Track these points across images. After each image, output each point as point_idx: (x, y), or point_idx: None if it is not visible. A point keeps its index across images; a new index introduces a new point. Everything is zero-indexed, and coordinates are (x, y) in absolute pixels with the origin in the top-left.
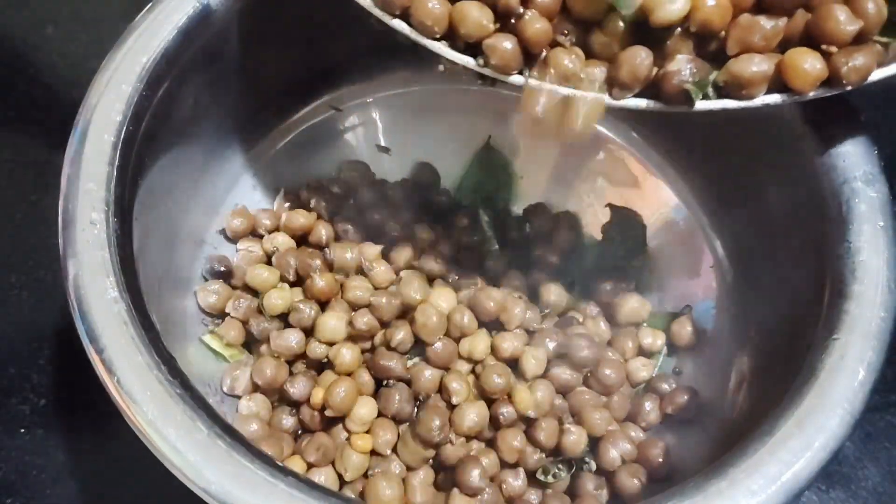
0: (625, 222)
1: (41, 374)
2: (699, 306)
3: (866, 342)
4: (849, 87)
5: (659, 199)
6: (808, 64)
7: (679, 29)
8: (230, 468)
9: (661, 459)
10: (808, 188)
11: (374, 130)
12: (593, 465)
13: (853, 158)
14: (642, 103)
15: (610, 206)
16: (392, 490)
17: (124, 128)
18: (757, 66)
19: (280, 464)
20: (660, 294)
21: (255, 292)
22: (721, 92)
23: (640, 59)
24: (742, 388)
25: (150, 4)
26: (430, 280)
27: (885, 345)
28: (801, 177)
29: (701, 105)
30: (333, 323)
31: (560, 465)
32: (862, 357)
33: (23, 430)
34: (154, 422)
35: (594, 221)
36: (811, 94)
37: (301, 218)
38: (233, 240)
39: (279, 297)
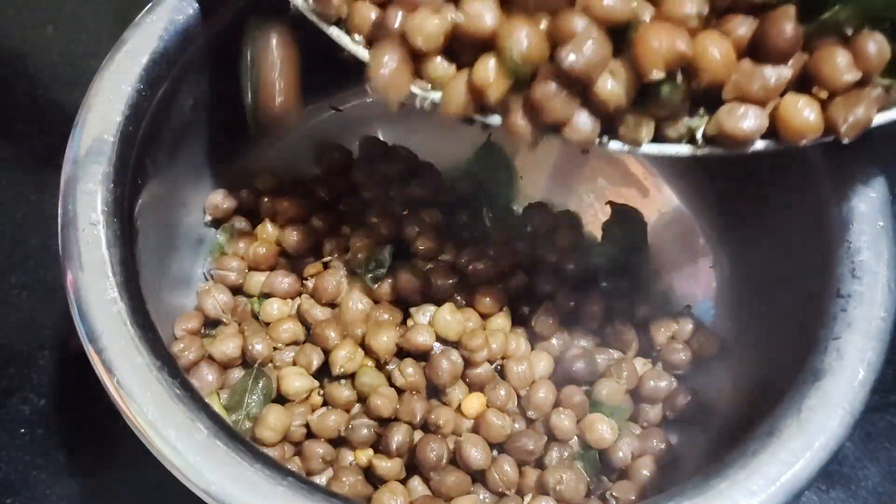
0: (625, 219)
1: (41, 374)
2: (699, 306)
3: (866, 342)
4: (846, 141)
5: (659, 199)
6: (801, 118)
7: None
8: (230, 469)
9: (688, 399)
10: (808, 188)
11: (374, 130)
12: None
13: (853, 158)
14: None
15: (610, 203)
16: (398, 502)
17: (124, 128)
18: (751, 121)
19: (280, 464)
20: (660, 294)
21: (251, 295)
22: (711, 140)
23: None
24: (742, 389)
25: (150, 4)
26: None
27: (885, 345)
28: (800, 177)
29: (688, 151)
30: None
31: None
32: (862, 357)
33: (23, 431)
34: (154, 422)
35: (594, 221)
36: (804, 143)
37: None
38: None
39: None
